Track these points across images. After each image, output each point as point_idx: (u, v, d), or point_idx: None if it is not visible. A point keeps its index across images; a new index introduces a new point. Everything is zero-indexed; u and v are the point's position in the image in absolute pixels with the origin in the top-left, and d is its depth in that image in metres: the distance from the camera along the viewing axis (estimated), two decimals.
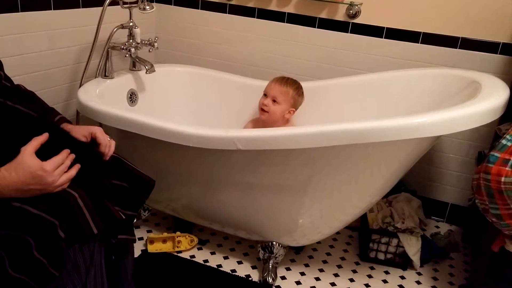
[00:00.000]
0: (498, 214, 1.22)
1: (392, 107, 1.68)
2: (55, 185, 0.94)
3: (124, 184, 1.14)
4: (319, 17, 1.94)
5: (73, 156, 1.00)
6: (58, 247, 0.92)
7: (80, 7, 1.76)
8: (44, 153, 0.95)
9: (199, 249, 1.73)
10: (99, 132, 1.13)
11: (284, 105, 1.70)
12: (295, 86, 1.72)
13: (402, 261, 1.70)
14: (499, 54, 1.75)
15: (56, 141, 1.00)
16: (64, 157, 0.98)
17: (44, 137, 0.96)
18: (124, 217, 1.06)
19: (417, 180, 1.99)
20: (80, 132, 1.11)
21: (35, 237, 0.89)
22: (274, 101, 1.69)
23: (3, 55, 1.49)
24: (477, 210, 1.32)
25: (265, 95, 1.73)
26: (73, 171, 0.99)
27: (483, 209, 1.26)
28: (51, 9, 1.65)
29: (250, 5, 2.04)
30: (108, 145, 1.12)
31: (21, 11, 1.54)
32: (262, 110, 1.72)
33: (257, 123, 1.80)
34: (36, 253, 0.89)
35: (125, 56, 1.75)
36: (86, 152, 1.07)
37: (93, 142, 1.12)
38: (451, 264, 1.77)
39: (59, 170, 0.95)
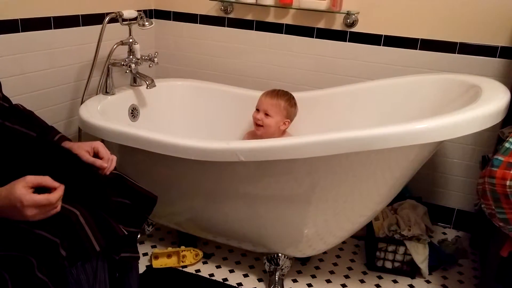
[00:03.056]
0: (505, 218, 1.21)
1: (392, 114, 1.68)
2: (33, 219, 0.88)
3: (126, 201, 1.13)
4: (317, 27, 1.96)
5: (60, 194, 0.90)
6: (60, 266, 0.91)
7: (80, 26, 1.78)
8: (43, 174, 0.93)
9: (204, 263, 1.71)
10: (101, 147, 1.13)
11: (277, 117, 1.69)
12: (286, 97, 1.71)
13: (410, 269, 1.68)
14: (498, 57, 1.75)
15: (56, 162, 0.99)
16: (52, 200, 0.88)
17: (49, 182, 0.89)
18: (126, 233, 1.05)
19: (422, 186, 1.97)
20: (83, 148, 1.11)
21: (37, 256, 0.88)
22: (266, 114, 1.69)
23: (5, 75, 1.50)
24: (484, 215, 1.31)
25: (257, 110, 1.73)
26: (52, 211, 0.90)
27: (489, 214, 1.25)
28: (51, 29, 1.67)
29: (248, 17, 2.05)
30: (110, 159, 1.12)
31: (21, 31, 1.56)
32: (256, 124, 1.72)
33: (254, 136, 1.79)
34: (39, 273, 0.88)
35: (126, 72, 1.76)
36: (88, 172, 1.06)
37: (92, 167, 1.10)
38: (460, 271, 1.75)
39: (39, 211, 0.87)
